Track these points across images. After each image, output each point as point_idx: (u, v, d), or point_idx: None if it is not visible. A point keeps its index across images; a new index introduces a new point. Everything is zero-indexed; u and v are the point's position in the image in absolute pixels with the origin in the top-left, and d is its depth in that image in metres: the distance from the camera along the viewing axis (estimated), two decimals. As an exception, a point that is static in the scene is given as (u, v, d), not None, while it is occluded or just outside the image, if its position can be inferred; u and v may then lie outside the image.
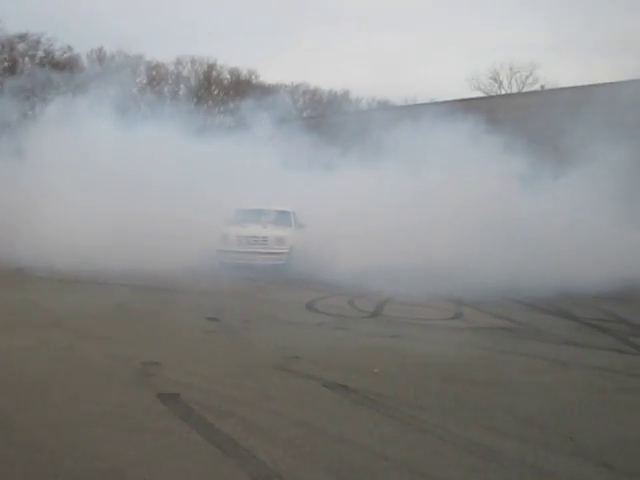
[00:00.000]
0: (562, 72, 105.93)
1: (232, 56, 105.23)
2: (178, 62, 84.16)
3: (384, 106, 63.85)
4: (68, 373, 10.80)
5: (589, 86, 36.46)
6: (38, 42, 73.87)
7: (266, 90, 70.39)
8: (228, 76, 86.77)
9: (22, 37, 72.47)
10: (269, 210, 30.20)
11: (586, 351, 14.00)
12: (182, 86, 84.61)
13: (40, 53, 74.12)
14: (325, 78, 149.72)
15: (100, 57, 78.89)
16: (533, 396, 10.24)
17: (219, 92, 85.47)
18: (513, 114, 35.56)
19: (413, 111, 38.14)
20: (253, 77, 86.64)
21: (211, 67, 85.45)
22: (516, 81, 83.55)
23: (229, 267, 26.98)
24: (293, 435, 8.05)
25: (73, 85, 34.59)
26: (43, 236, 25.82)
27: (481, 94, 75.42)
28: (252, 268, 27.14)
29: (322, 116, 60.25)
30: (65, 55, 74.72)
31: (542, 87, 66.26)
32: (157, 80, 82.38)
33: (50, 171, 29.14)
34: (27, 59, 72.99)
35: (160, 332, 14.58)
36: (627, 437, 8.46)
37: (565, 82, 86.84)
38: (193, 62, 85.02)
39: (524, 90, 76.74)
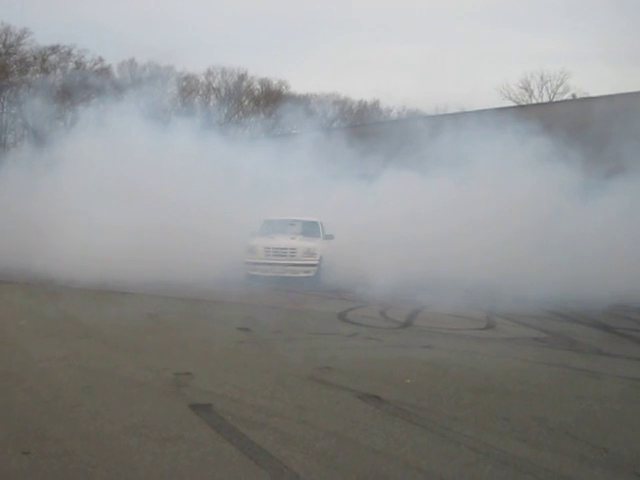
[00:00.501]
0: (593, 81, 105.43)
1: (262, 66, 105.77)
2: (209, 73, 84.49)
3: (417, 115, 63.62)
4: (100, 384, 10.82)
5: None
6: (69, 54, 74.45)
7: (297, 100, 70.38)
8: (259, 86, 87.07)
9: (53, 49, 73.04)
10: (297, 221, 29.89)
11: (619, 361, 13.90)
12: (212, 97, 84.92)
13: (71, 65, 74.65)
14: (355, 88, 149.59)
15: (131, 68, 79.33)
16: (567, 407, 10.17)
17: (249, 102, 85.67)
18: (556, 121, 35.01)
19: (446, 120, 37.95)
20: (284, 87, 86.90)
21: (241, 78, 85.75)
22: (547, 90, 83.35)
23: (256, 280, 26.71)
24: (326, 446, 8.03)
25: (104, 96, 34.63)
26: (71, 248, 25.98)
27: (512, 104, 75.15)
28: (280, 280, 26.81)
29: (359, 125, 60.26)
30: (96, 66, 75.21)
31: (573, 96, 65.99)
32: (188, 91, 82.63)
33: (77, 183, 29.31)
34: (59, 70, 73.45)
35: (192, 343, 14.59)
36: (663, 448, 8.39)
37: (595, 91, 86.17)
38: (224, 73, 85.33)
39: (554, 99, 76.49)
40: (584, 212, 27.29)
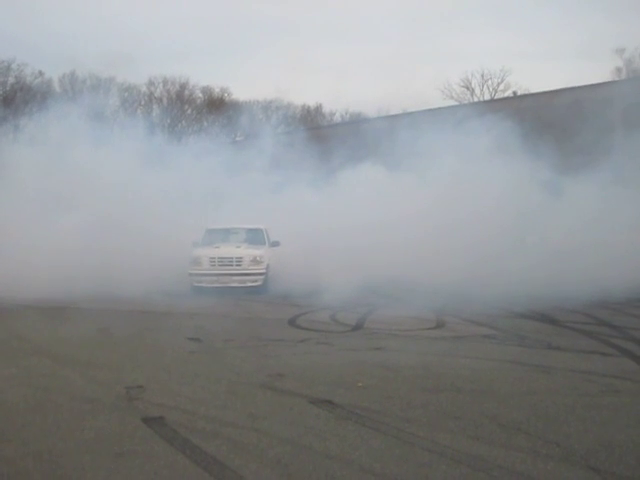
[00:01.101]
0: (533, 78, 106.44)
1: (204, 75, 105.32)
2: (150, 83, 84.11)
3: (361, 118, 63.78)
4: (51, 401, 10.71)
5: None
6: (9, 68, 73.68)
7: (239, 107, 70.24)
8: (201, 95, 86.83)
9: (-7, 63, 72.27)
10: (240, 229, 29.39)
11: (569, 355, 14.03)
12: (155, 107, 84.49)
13: (11, 79, 73.89)
14: (296, 93, 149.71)
15: (72, 81, 78.67)
16: (518, 403, 10.24)
17: (192, 111, 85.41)
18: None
19: (398, 120, 38.03)
20: (226, 95, 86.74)
21: (183, 86, 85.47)
22: (488, 88, 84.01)
23: (202, 291, 26.31)
24: (280, 453, 8.02)
25: (45, 109, 34.24)
26: (9, 266, 25.35)
27: (454, 103, 75.63)
28: (227, 291, 26.31)
29: (308, 128, 60.17)
30: (37, 80, 74.54)
31: (514, 93, 66.54)
32: (129, 102, 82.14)
33: (15, 199, 28.74)
34: (-3, 84, 72.70)
35: (142, 355, 14.51)
36: (613, 440, 8.47)
37: (535, 88, 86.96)
38: (165, 82, 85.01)
39: (496, 97, 77.09)
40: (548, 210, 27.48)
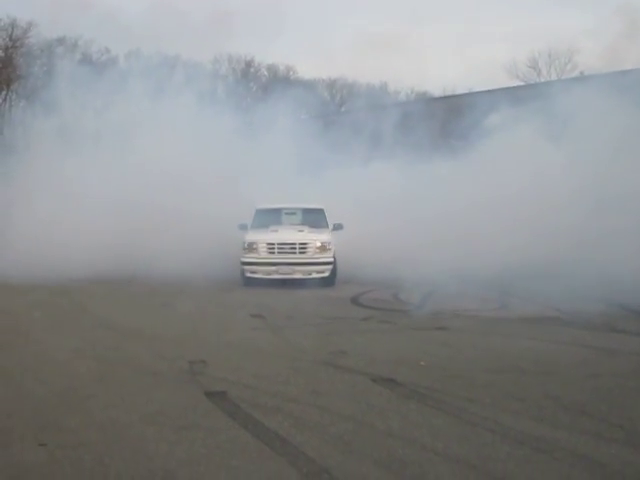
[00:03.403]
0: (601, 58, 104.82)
1: (269, 52, 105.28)
2: (215, 61, 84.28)
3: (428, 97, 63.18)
4: (115, 373, 10.84)
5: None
6: (75, 45, 74.33)
7: (304, 85, 70.19)
8: (266, 73, 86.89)
9: (60, 40, 72.93)
10: (297, 209, 25.64)
11: (635, 339, 13.86)
12: (220, 84, 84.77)
13: (78, 56, 74.51)
14: (362, 72, 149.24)
15: (138, 58, 79.12)
16: (582, 385, 10.14)
17: (257, 89, 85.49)
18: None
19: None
20: (291, 73, 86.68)
21: (248, 64, 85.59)
22: (555, 68, 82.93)
23: (257, 283, 23.14)
24: (342, 431, 8.01)
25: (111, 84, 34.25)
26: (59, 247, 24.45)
27: (520, 83, 74.79)
28: (289, 283, 23.24)
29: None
30: (103, 57, 75.11)
31: (581, 73, 65.62)
32: (195, 79, 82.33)
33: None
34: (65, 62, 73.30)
35: (205, 330, 14.62)
36: (679, 424, 8.36)
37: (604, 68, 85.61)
38: (230, 60, 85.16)
39: (563, 77, 76.06)
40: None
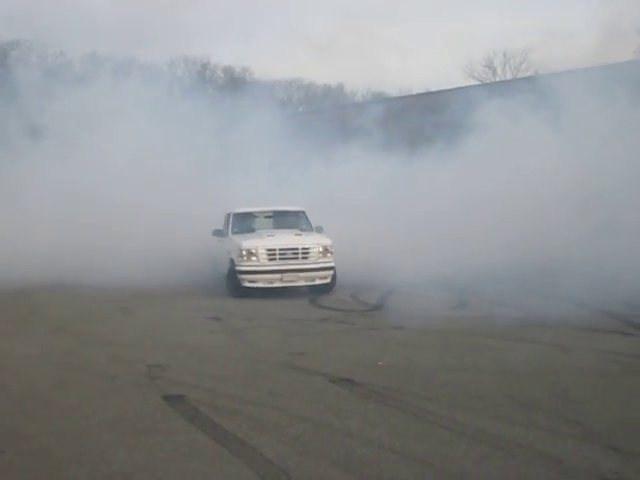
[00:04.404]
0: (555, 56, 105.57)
1: (225, 54, 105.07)
2: (171, 63, 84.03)
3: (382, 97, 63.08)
4: (73, 379, 10.80)
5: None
6: (31, 49, 73.77)
7: (261, 87, 70.13)
8: (222, 75, 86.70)
9: (14, 44, 72.38)
10: (277, 212, 23.52)
11: (590, 335, 13.96)
12: (176, 87, 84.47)
13: (33, 59, 73.98)
14: (318, 73, 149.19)
15: (93, 61, 78.71)
16: (539, 382, 10.22)
17: (214, 91, 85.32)
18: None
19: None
20: (247, 74, 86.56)
21: (204, 66, 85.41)
22: (510, 68, 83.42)
23: (256, 292, 20.67)
24: (300, 431, 8.05)
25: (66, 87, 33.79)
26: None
27: (475, 82, 75.17)
28: (286, 292, 20.87)
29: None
30: (58, 61, 74.62)
31: (536, 72, 66.06)
32: (150, 81, 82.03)
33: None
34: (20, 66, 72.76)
35: (163, 334, 14.57)
36: (632, 418, 8.46)
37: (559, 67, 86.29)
38: (186, 62, 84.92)
39: (518, 76, 76.51)
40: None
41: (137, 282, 21.08)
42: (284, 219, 23.32)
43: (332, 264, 21.07)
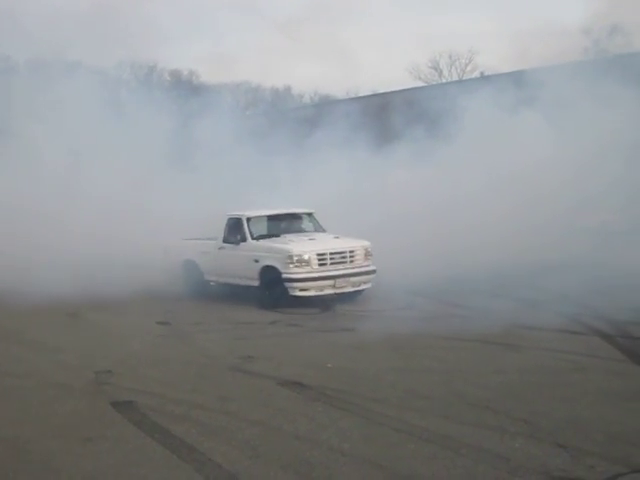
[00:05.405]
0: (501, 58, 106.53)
1: (172, 58, 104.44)
2: (118, 66, 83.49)
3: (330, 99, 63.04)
4: (19, 387, 10.69)
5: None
6: (-26, 54, 72.98)
7: (208, 90, 69.91)
8: (169, 78, 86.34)
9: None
10: (290, 214, 21.37)
11: (538, 333, 14.04)
12: (123, 91, 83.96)
13: (-22, 64, 73.18)
14: (265, 76, 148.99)
15: (38, 65, 78.01)
16: (487, 382, 10.30)
17: (160, 94, 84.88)
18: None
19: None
20: (194, 78, 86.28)
21: (151, 70, 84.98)
22: (456, 69, 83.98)
23: (305, 301, 18.77)
24: (249, 435, 8.04)
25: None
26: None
27: (422, 84, 75.56)
28: (326, 299, 19.14)
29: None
30: (2, 65, 73.89)
31: (482, 74, 66.54)
32: (97, 85, 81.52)
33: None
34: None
35: (111, 340, 14.46)
36: (580, 417, 8.55)
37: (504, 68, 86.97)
38: (133, 65, 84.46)
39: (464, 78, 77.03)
40: None
41: (84, 289, 20.82)
42: (295, 221, 21.42)
43: (374, 267, 19.58)
